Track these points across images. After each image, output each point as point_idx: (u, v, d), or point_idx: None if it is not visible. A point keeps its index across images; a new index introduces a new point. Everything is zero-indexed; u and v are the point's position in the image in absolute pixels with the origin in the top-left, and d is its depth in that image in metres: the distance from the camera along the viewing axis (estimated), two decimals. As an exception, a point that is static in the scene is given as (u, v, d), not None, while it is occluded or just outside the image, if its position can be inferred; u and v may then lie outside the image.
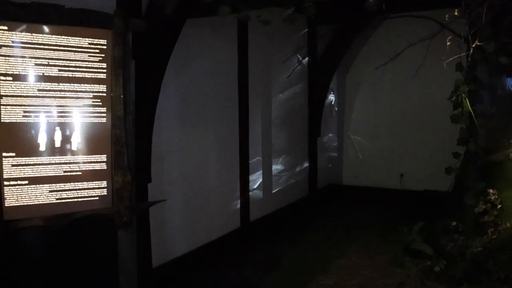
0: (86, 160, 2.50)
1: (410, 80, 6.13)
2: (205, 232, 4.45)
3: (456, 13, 3.45)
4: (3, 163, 2.29)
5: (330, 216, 5.98)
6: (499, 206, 4.05)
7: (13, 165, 2.32)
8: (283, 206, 5.87)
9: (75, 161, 2.47)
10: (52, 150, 2.41)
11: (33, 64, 2.34)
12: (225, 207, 4.76)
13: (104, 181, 2.55)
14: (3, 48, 2.25)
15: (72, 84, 2.44)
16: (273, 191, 5.69)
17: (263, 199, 5.43)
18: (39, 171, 2.38)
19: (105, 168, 2.54)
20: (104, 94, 2.52)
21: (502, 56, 3.52)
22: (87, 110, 2.49)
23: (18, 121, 2.32)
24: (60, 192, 2.44)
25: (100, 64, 2.50)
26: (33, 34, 2.32)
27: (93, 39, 2.47)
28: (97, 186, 2.54)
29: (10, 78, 2.29)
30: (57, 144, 2.42)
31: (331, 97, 7.00)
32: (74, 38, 2.42)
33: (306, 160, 6.53)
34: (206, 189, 4.46)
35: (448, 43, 3.59)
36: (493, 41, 3.45)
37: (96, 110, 2.51)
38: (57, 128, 2.42)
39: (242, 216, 5.01)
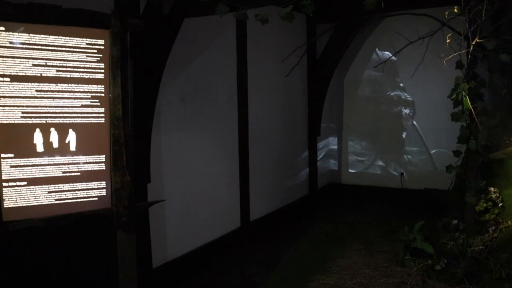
0: (85, 161, 2.49)
1: (410, 78, 6.13)
2: (205, 232, 4.44)
3: (455, 10, 3.44)
4: (2, 164, 2.28)
5: (331, 215, 5.97)
6: (500, 204, 4.04)
7: (11, 166, 2.31)
8: (283, 206, 5.86)
9: (73, 161, 2.46)
10: (51, 151, 2.40)
11: (31, 65, 2.33)
12: (225, 207, 4.75)
13: (103, 182, 2.54)
14: (0, 49, 2.25)
15: (70, 85, 2.43)
16: (273, 191, 5.68)
17: (263, 198, 5.42)
18: (38, 172, 2.37)
19: (104, 168, 2.54)
20: (102, 95, 2.51)
21: (503, 53, 3.50)
22: (85, 110, 2.48)
23: (16, 122, 2.31)
24: (59, 193, 2.43)
25: (98, 64, 2.49)
26: (31, 34, 2.32)
27: (91, 39, 2.46)
28: (96, 187, 2.53)
29: (8, 79, 2.28)
30: (56, 145, 2.41)
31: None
32: (72, 38, 2.42)
33: (307, 159, 6.53)
34: (206, 188, 4.45)
35: (448, 41, 3.57)
36: (493, 38, 3.43)
37: (95, 111, 2.51)
38: (55, 129, 2.41)
39: (242, 215, 5.00)
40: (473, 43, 3.48)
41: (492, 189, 4.13)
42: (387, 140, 6.82)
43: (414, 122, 6.59)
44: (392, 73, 6.56)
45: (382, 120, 6.84)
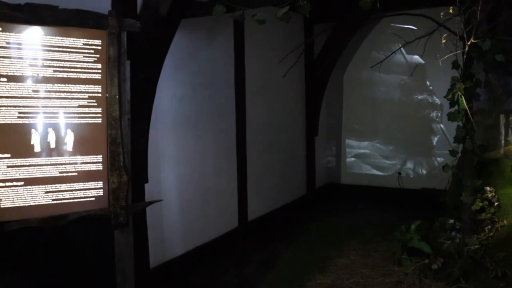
0: (82, 161, 2.50)
1: (407, 78, 6.16)
2: (203, 232, 4.45)
3: (451, 10, 3.45)
4: (-1, 165, 2.29)
5: (328, 215, 5.98)
6: (496, 203, 4.06)
7: (8, 166, 2.32)
8: (281, 206, 5.87)
9: (70, 162, 2.47)
10: (48, 151, 2.41)
11: (28, 65, 2.34)
12: (223, 207, 4.76)
13: (100, 182, 2.55)
14: (-3, 49, 2.25)
15: (67, 85, 2.44)
16: (271, 191, 5.69)
17: (261, 198, 5.42)
18: (34, 172, 2.38)
19: (101, 168, 2.54)
20: (99, 95, 2.52)
21: (498, 53, 3.52)
22: (82, 110, 2.49)
23: (13, 122, 2.32)
24: (56, 193, 2.44)
25: (95, 64, 2.50)
26: (28, 35, 2.32)
27: (88, 40, 2.47)
28: (93, 187, 2.54)
29: (5, 79, 2.29)
30: (53, 145, 2.42)
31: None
32: (69, 38, 2.43)
33: (304, 159, 6.54)
34: (204, 188, 4.45)
35: (443, 41, 3.59)
36: (489, 38, 3.44)
37: (92, 111, 2.51)
38: (52, 129, 2.42)
39: (240, 215, 5.00)
40: (468, 43, 3.49)
41: (488, 188, 4.15)
42: (386, 140, 6.84)
43: (410, 121, 6.62)
44: (391, 72, 6.57)
45: (380, 120, 6.86)
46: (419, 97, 6.48)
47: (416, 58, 6.22)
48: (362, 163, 7.05)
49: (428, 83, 6.37)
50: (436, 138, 6.37)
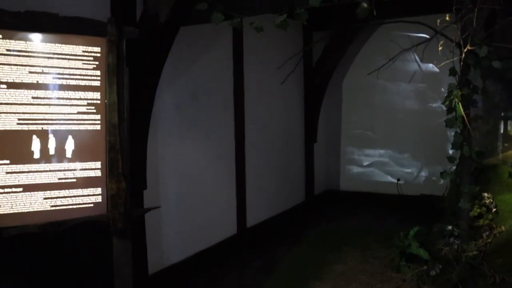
0: (81, 167, 2.51)
1: (406, 85, 6.18)
2: (202, 238, 4.45)
3: (447, 18, 3.48)
4: (-2, 171, 2.30)
5: (327, 221, 5.98)
6: (493, 209, 4.07)
7: (7, 173, 2.33)
8: (280, 212, 5.87)
9: (69, 168, 2.48)
10: (47, 158, 2.42)
11: (27, 72, 2.35)
12: (222, 214, 4.76)
13: (98, 188, 2.56)
14: (-3, 56, 2.27)
15: (66, 92, 2.46)
16: (270, 197, 5.69)
17: (260, 205, 5.43)
18: (33, 178, 2.39)
19: (100, 175, 2.56)
20: (98, 102, 2.54)
21: (495, 60, 3.53)
22: (82, 117, 2.51)
23: (13, 128, 2.34)
24: (55, 199, 2.45)
25: (94, 71, 2.52)
26: (27, 42, 2.35)
27: (87, 47, 2.50)
28: (91, 193, 2.55)
29: (5, 86, 2.31)
30: (52, 151, 2.43)
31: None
32: (68, 46, 2.45)
33: (303, 166, 6.55)
34: (202, 195, 4.46)
35: (440, 48, 3.61)
36: (485, 45, 3.47)
37: (91, 118, 2.53)
38: (52, 136, 2.43)
39: (239, 222, 5.00)
40: (465, 50, 3.51)
41: (486, 194, 4.16)
42: (384, 146, 6.85)
43: (409, 128, 6.63)
44: (389, 79, 6.61)
45: (379, 126, 6.88)
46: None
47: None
48: (362, 170, 7.06)
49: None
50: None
